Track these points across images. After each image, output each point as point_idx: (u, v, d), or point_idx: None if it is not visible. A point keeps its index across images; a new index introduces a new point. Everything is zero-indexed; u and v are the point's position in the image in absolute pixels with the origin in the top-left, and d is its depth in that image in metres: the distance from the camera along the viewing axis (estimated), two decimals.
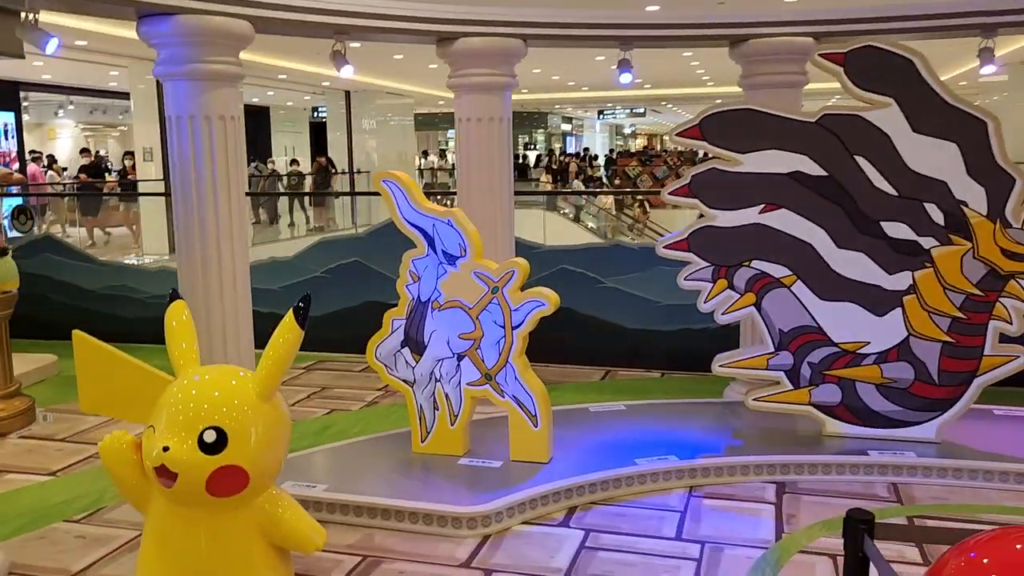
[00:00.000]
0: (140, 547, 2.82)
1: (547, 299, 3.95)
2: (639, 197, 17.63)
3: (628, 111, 29.29)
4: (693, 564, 3.28)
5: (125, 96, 17.79)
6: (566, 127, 35.49)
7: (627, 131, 42.67)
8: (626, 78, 5.08)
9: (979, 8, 4.56)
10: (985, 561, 2.08)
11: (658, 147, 42.50)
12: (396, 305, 6.49)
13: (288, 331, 2.82)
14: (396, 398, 5.59)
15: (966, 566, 2.09)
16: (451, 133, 36.00)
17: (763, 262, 4.27)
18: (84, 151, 18.72)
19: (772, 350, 4.34)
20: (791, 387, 4.33)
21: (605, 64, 16.73)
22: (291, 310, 2.81)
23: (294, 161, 21.44)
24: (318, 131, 26.34)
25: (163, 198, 13.75)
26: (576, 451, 4.20)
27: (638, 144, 42.03)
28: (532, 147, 32.73)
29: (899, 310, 4.15)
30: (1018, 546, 2.12)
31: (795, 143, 4.17)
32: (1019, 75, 14.57)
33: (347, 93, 21.82)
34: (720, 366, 4.47)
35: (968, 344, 4.10)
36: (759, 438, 4.35)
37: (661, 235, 13.83)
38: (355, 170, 21.60)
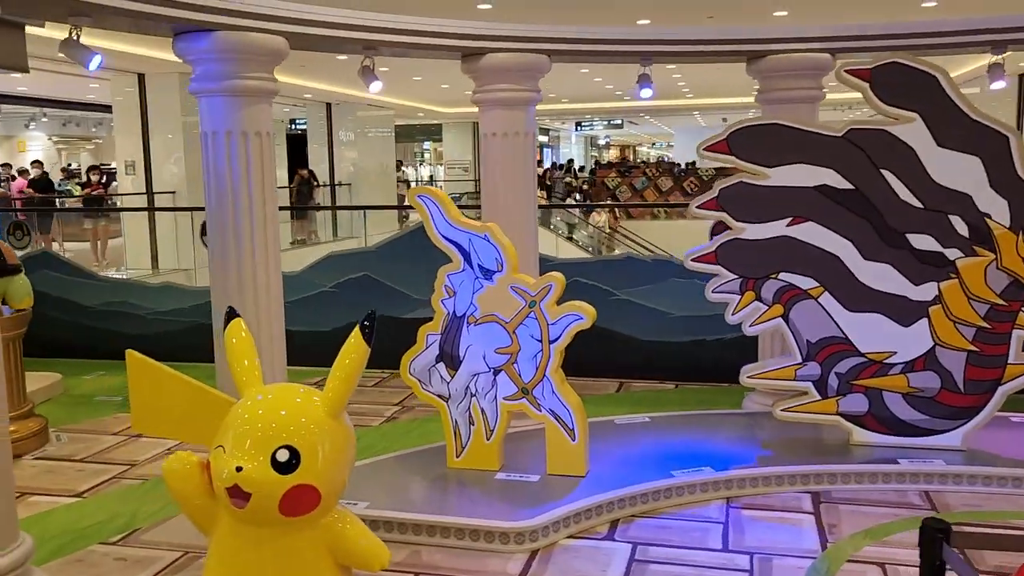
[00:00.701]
0: (205, 569, 2.79)
1: (585, 313, 3.97)
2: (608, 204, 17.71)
3: (606, 123, 29.51)
4: (746, 575, 3.31)
5: (103, 108, 17.56)
6: (543, 139, 35.64)
7: (602, 142, 42.95)
8: (646, 93, 5.14)
9: (990, 26, 4.68)
10: None
11: (631, 158, 42.90)
12: (407, 319, 6.51)
13: (355, 349, 2.82)
14: (415, 413, 5.58)
15: None
16: (427, 144, 36.09)
17: (791, 274, 4.34)
18: (35, 163, 18.33)
19: (800, 361, 4.40)
20: (819, 397, 4.40)
21: (587, 76, 16.88)
22: (357, 327, 2.81)
23: None
24: (294, 143, 26.23)
25: (147, 213, 13.67)
26: (610, 464, 4.22)
27: (611, 155, 42.34)
28: None
29: (925, 320, 4.24)
30: None
31: (822, 157, 4.25)
32: None
33: (328, 105, 21.75)
34: (748, 377, 4.53)
35: (992, 353, 4.20)
36: (788, 448, 4.41)
37: (637, 243, 13.85)
38: (336, 182, 21.53)
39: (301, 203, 19.42)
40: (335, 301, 6.76)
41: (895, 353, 4.29)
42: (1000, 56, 4.81)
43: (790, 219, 4.32)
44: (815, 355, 4.38)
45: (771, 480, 4.12)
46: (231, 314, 2.98)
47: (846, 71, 4.22)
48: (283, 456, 2.58)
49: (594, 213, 13.99)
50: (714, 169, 24.85)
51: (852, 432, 4.40)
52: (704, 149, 4.42)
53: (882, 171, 4.19)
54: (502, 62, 4.61)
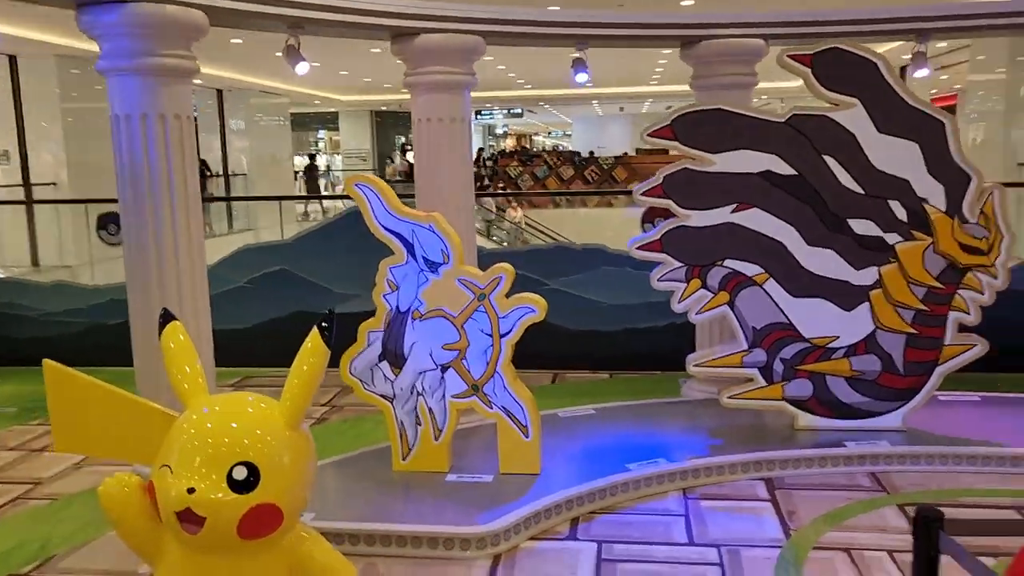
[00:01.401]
0: None
1: (537, 305, 3.83)
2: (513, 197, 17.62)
3: (506, 111, 29.45)
4: (716, 569, 3.24)
5: None
6: None
7: (499, 131, 42.90)
8: (582, 77, 5.01)
9: (915, 14, 4.78)
10: None
11: (529, 146, 43.00)
12: (329, 313, 6.17)
13: (314, 353, 2.57)
14: (345, 413, 5.31)
15: None
16: (322, 133, 35.12)
17: (736, 261, 4.31)
18: None
19: (745, 348, 4.38)
20: (764, 383, 4.40)
21: (491, 64, 16.70)
22: (315, 329, 2.58)
23: None
24: None
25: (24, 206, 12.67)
26: (562, 460, 4.10)
27: (508, 144, 42.35)
28: (409, 148, 32.34)
29: (866, 304, 4.29)
30: None
31: (766, 143, 4.23)
32: None
33: (219, 92, 20.79)
34: (695, 366, 4.48)
35: (930, 335, 4.28)
36: (736, 436, 4.39)
37: (542, 233, 13.78)
38: (230, 172, 20.65)
39: None
40: (251, 297, 6.38)
41: (838, 337, 4.33)
42: (923, 45, 4.91)
43: (735, 205, 4.28)
44: (760, 341, 4.37)
45: (724, 469, 4.08)
46: (167, 316, 2.68)
47: (788, 56, 4.21)
48: (240, 474, 2.32)
49: (509, 209, 13.79)
50: (613, 158, 25.25)
51: (797, 417, 4.43)
52: (648, 135, 4.33)
53: (824, 157, 4.21)
54: (437, 43, 4.39)
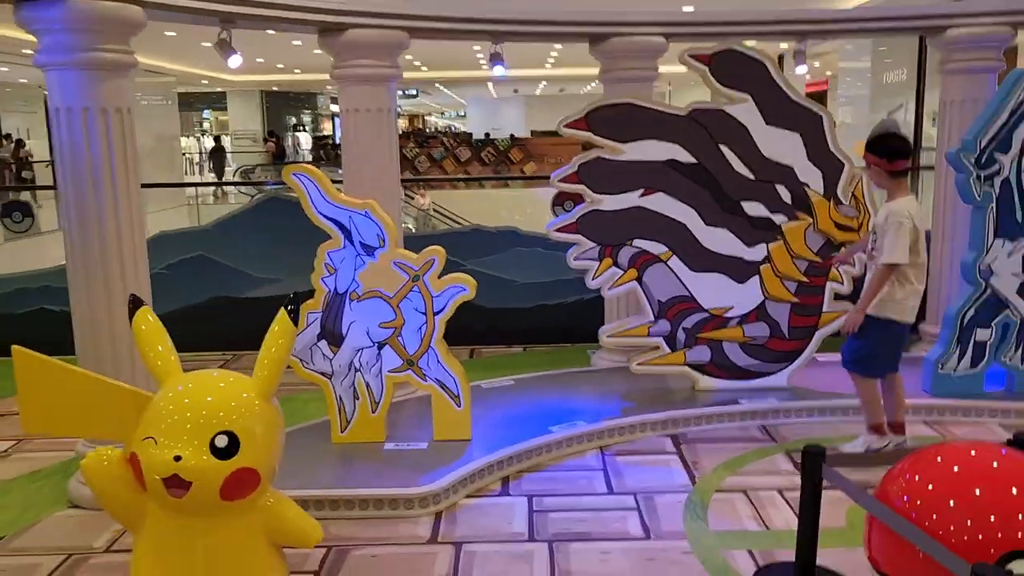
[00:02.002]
0: (134, 566, 2.71)
1: (467, 284, 4.15)
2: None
3: (400, 92, 29.31)
4: (635, 513, 3.68)
5: None
6: (335, 108, 34.81)
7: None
8: (499, 70, 5.33)
9: (798, 18, 5.31)
10: (917, 477, 2.65)
11: (423, 127, 42.88)
12: (247, 298, 6.35)
13: (283, 332, 2.84)
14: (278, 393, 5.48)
15: (908, 480, 2.64)
16: (207, 114, 34.05)
17: (643, 241, 4.75)
18: None
19: (652, 319, 4.84)
20: (669, 351, 4.87)
21: None
22: (283, 310, 2.84)
23: (19, 142, 19.45)
24: None
25: None
26: (490, 426, 4.45)
27: (401, 125, 42.16)
28: (301, 128, 31.80)
29: (757, 277, 4.81)
30: (939, 458, 2.71)
31: (670, 134, 4.67)
32: None
33: None
34: (607, 337, 4.91)
35: (811, 303, 4.85)
36: (644, 398, 4.85)
37: (449, 219, 14.04)
38: None
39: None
40: (167, 284, 6.39)
41: (732, 308, 4.84)
42: (803, 44, 5.46)
43: (642, 190, 4.71)
44: (665, 313, 4.83)
45: (636, 428, 4.53)
46: (136, 302, 2.88)
47: (689, 55, 4.65)
48: (222, 442, 2.57)
49: (417, 196, 13.87)
50: (510, 139, 25.64)
51: (697, 380, 4.92)
52: (565, 126, 4.69)
53: (720, 146, 4.68)
54: (364, 38, 4.61)
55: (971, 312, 4.72)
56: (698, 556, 3.30)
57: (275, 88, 28.77)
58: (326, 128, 35.22)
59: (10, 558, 3.43)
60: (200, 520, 2.64)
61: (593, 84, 26.64)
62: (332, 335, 4.18)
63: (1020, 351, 4.76)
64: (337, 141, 29.35)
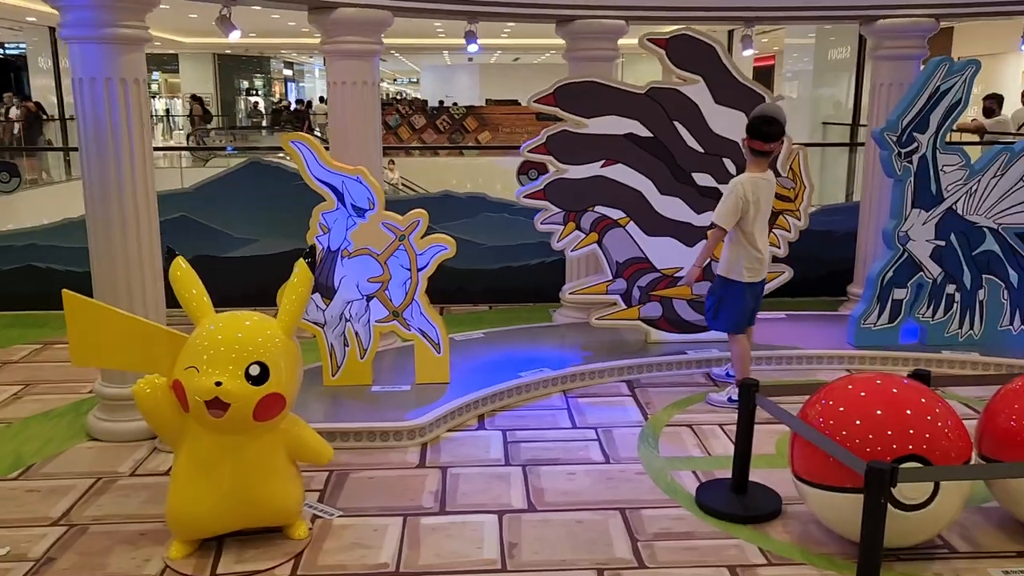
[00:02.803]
0: (173, 477, 3.17)
1: (448, 243, 4.62)
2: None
3: None
4: (596, 443, 4.23)
5: None
6: (288, 72, 34.55)
7: None
8: (472, 48, 5.76)
9: (744, 4, 5.83)
10: (832, 402, 3.23)
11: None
12: (228, 257, 6.72)
13: (303, 279, 3.32)
14: None
15: (823, 405, 3.22)
16: (156, 75, 33.48)
17: (604, 207, 5.27)
18: None
19: (611, 278, 5.37)
20: (625, 307, 5.41)
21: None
22: (301, 260, 3.31)
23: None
24: (3, 69, 23.39)
25: None
26: (465, 372, 4.94)
27: None
28: (254, 92, 31.54)
29: (704, 242, 5.35)
30: (849, 386, 3.29)
31: (629, 110, 5.17)
32: None
33: (52, 30, 19.66)
34: (570, 294, 5.44)
35: None
36: (602, 349, 5.39)
37: (409, 188, 14.35)
38: (68, 116, 19.70)
39: (30, 139, 17.70)
40: None
41: (682, 268, 5.39)
42: (750, 29, 6.00)
43: (603, 161, 5.22)
44: (622, 272, 5.37)
45: (595, 374, 5.08)
46: (171, 253, 3.32)
47: (648, 39, 5.15)
48: (255, 371, 3.04)
49: (386, 170, 14.07)
50: (464, 108, 25.91)
51: (649, 333, 5.48)
52: (534, 101, 5.15)
53: (674, 122, 5.21)
54: (351, 16, 4.98)
55: (890, 274, 5.35)
56: (650, 475, 3.87)
57: (228, 51, 28.49)
58: (277, 91, 34.97)
59: (42, 481, 3.83)
60: (234, 437, 3.12)
61: (548, 54, 26.97)
62: (325, 288, 4.62)
63: (931, 308, 5.42)
64: (293, 106, 29.27)
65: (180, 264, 3.25)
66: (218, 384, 2.96)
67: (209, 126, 24.10)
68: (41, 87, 20.05)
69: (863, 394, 3.19)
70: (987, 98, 9.46)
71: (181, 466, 3.15)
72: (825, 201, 8.34)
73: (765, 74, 23.75)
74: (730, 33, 13.38)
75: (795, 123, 15.44)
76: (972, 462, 3.16)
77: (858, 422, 3.08)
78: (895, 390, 3.20)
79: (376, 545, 3.26)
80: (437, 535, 3.34)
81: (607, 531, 3.37)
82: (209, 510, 3.12)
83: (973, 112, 10.79)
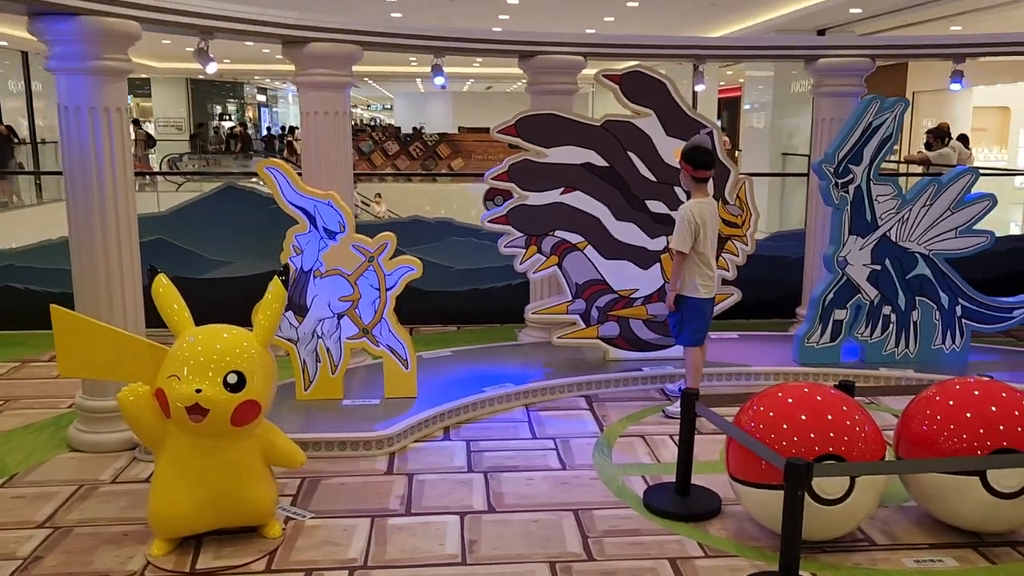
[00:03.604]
0: (155, 479, 3.41)
1: (415, 264, 4.91)
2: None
3: None
4: (554, 452, 4.51)
5: None
6: (261, 98, 34.79)
7: None
8: (439, 80, 6.09)
9: (694, 43, 6.23)
10: (763, 408, 3.54)
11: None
12: (203, 279, 6.95)
13: (277, 296, 3.59)
14: None
15: (755, 411, 3.53)
16: (128, 100, 33.57)
17: (563, 231, 5.59)
18: None
19: (570, 299, 5.68)
20: (584, 326, 5.72)
21: None
22: (275, 278, 3.58)
23: None
24: None
25: None
26: (432, 387, 5.21)
27: None
28: (227, 117, 31.72)
29: (658, 264, 5.70)
30: (779, 394, 3.61)
31: (586, 141, 5.51)
32: None
33: (24, 55, 19.81)
34: (532, 313, 5.74)
35: None
36: (563, 366, 5.69)
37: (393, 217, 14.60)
38: (40, 140, 19.79)
39: (1, 162, 17.73)
40: None
41: (638, 290, 5.72)
42: (702, 65, 6.39)
43: (562, 188, 5.55)
44: (581, 294, 5.68)
45: (555, 389, 5.37)
46: (153, 271, 3.58)
47: (603, 75, 5.51)
48: (233, 379, 3.30)
49: (374, 204, 14.33)
50: (438, 135, 26.31)
51: (608, 351, 5.79)
52: (497, 132, 5.48)
53: (628, 153, 5.56)
54: (322, 50, 5.29)
55: (831, 296, 5.72)
56: (603, 480, 4.15)
57: (201, 76, 28.69)
58: (251, 116, 35.16)
59: (27, 488, 4.03)
60: (212, 441, 3.37)
61: (519, 83, 27.52)
62: (298, 307, 4.87)
63: (869, 328, 5.79)
64: (265, 132, 29.44)
65: (162, 281, 3.51)
66: (198, 391, 3.21)
67: (152, 151, 24.10)
68: (11, 110, 20.10)
69: (790, 400, 3.52)
70: (928, 132, 9.98)
71: (162, 469, 3.39)
72: (786, 227, 8.76)
73: (732, 104, 24.44)
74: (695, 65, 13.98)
75: (757, 153, 15.96)
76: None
77: (784, 426, 3.40)
78: (819, 397, 3.53)
79: (345, 543, 3.51)
80: (402, 534, 3.59)
81: (560, 529, 3.64)
82: (189, 510, 3.35)
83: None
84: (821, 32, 13.88)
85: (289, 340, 4.90)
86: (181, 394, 3.22)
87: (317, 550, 3.45)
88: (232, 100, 33.76)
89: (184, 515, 3.36)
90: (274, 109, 37.80)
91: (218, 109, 31.93)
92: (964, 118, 17.67)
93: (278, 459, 3.58)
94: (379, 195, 13.93)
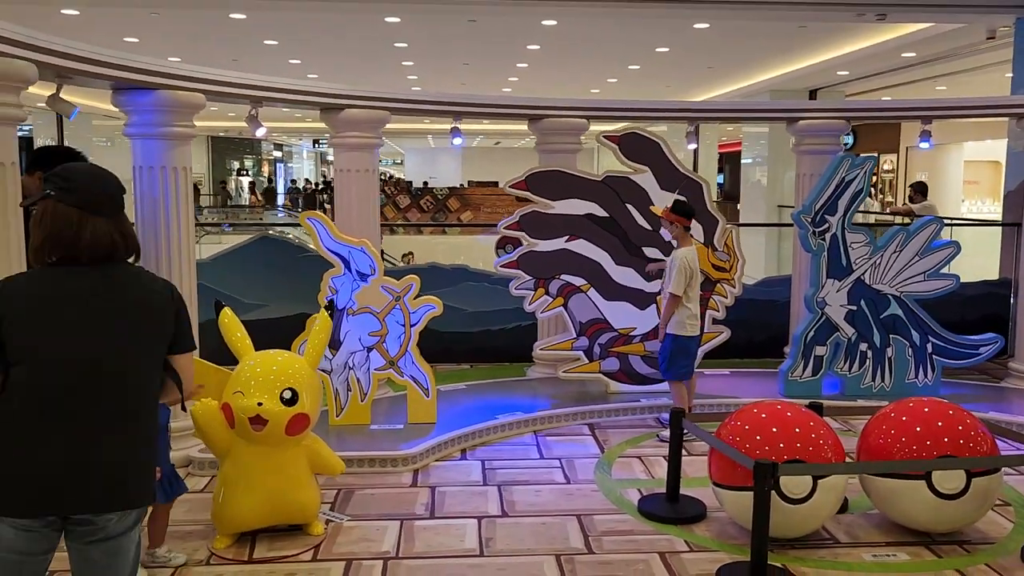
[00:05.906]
0: (220, 482, 3.99)
1: (436, 304, 5.53)
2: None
3: None
4: (559, 469, 5.07)
5: None
6: (277, 154, 35.91)
7: (331, 159, 43.85)
8: (457, 141, 6.80)
9: (685, 107, 6.93)
10: (740, 423, 4.11)
11: None
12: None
13: (324, 325, 4.20)
14: None
15: (733, 424, 4.10)
16: None
17: (568, 275, 6.22)
18: None
19: (575, 336, 6.28)
20: (587, 361, 6.31)
21: None
22: (323, 310, 4.19)
23: None
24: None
25: None
26: (451, 415, 5.78)
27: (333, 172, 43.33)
28: (244, 173, 32.75)
29: (654, 306, 6.30)
30: (755, 410, 4.18)
31: (589, 194, 6.18)
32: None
33: (59, 116, 20.79)
34: (540, 349, 6.34)
35: None
36: (568, 397, 6.27)
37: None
38: None
39: None
40: None
41: (636, 328, 6.31)
42: (693, 127, 7.08)
43: (568, 236, 6.19)
44: (585, 331, 6.28)
45: (561, 417, 5.94)
46: (219, 305, 4.20)
47: (604, 136, 6.20)
48: (288, 395, 3.90)
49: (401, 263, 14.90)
50: (447, 189, 27.19)
51: (609, 384, 6.37)
52: (510, 186, 6.16)
53: (627, 205, 6.21)
54: (356, 116, 6.00)
55: (812, 333, 6.31)
56: (603, 492, 4.71)
57: (222, 134, 29.80)
58: (266, 171, 36.23)
59: None
60: (269, 448, 3.95)
61: (526, 140, 28.48)
62: (332, 341, 5.48)
63: (848, 363, 6.36)
64: (268, 185, 30.30)
65: (227, 313, 4.14)
66: (260, 404, 3.81)
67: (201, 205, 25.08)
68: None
69: (764, 415, 4.09)
70: (911, 186, 10.65)
71: (227, 472, 3.97)
72: (785, 272, 9.34)
73: (734, 158, 25.27)
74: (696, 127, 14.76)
75: (756, 206, 16.61)
76: None
77: (758, 436, 3.97)
78: (789, 414, 4.10)
79: (379, 540, 4.07)
80: (428, 533, 4.15)
81: (565, 530, 4.19)
82: (248, 508, 3.92)
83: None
84: (813, 92, 14.65)
85: (323, 371, 5.50)
86: (245, 406, 3.82)
87: (355, 545, 4.01)
88: (249, 156, 34.86)
89: (244, 513, 3.93)
90: (288, 165, 38.93)
91: (236, 164, 32.99)
92: (956, 172, 18.36)
93: (322, 466, 4.16)
94: (411, 253, 14.41)
